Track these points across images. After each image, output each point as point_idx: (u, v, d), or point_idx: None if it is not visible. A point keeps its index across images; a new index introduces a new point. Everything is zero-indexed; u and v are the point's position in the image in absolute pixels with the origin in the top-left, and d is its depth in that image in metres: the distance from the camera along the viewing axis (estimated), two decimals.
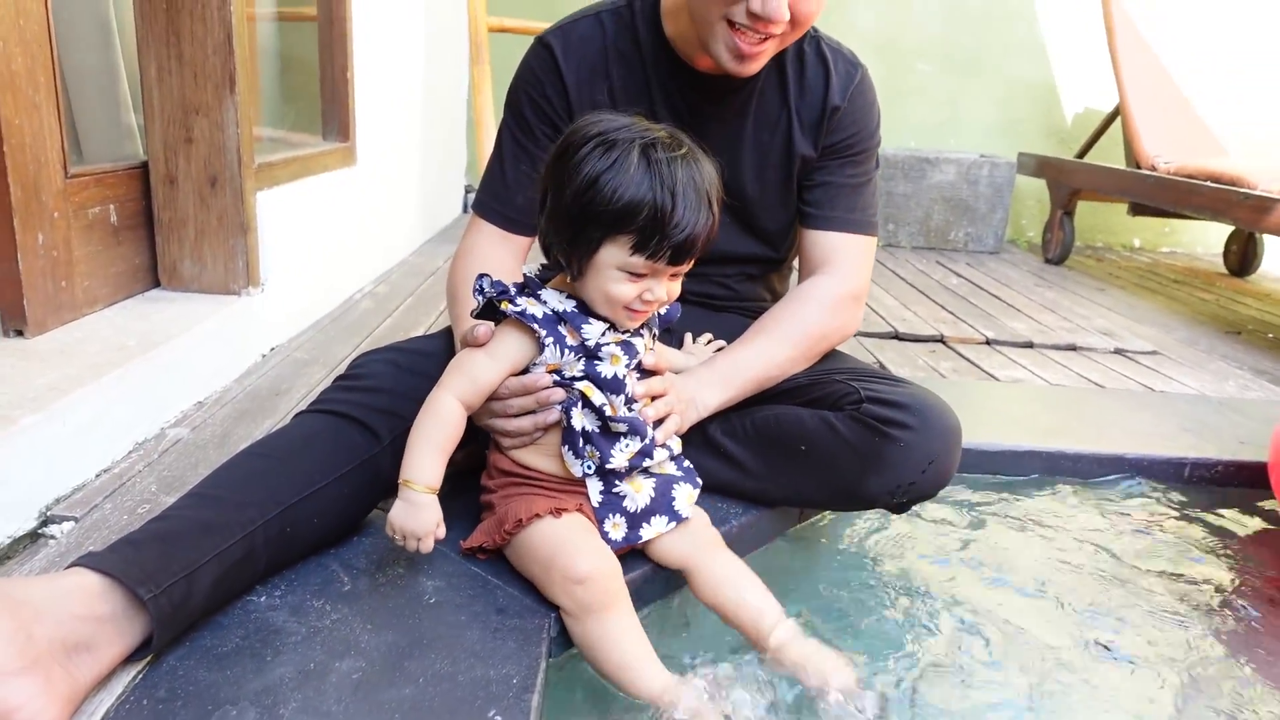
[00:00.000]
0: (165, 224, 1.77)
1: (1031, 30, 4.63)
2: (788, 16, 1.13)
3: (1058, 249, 4.06)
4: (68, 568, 0.86)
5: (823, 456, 1.21)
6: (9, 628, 0.75)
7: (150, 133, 1.74)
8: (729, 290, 1.44)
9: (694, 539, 1.10)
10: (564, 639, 1.01)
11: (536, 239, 1.07)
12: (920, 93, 4.65)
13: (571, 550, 0.98)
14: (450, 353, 1.22)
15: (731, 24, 1.15)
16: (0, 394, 1.18)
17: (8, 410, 1.13)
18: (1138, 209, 3.88)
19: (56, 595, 0.80)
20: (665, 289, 1.01)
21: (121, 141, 2.03)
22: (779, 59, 1.30)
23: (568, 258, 1.00)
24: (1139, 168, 3.63)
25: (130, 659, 0.86)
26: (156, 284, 1.80)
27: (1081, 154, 4.24)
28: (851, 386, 1.23)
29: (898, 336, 2.54)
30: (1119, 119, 3.94)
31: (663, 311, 1.05)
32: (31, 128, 1.37)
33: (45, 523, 1.16)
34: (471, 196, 4.30)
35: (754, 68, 1.20)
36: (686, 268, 1.01)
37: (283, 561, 1.03)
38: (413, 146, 3.29)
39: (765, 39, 1.16)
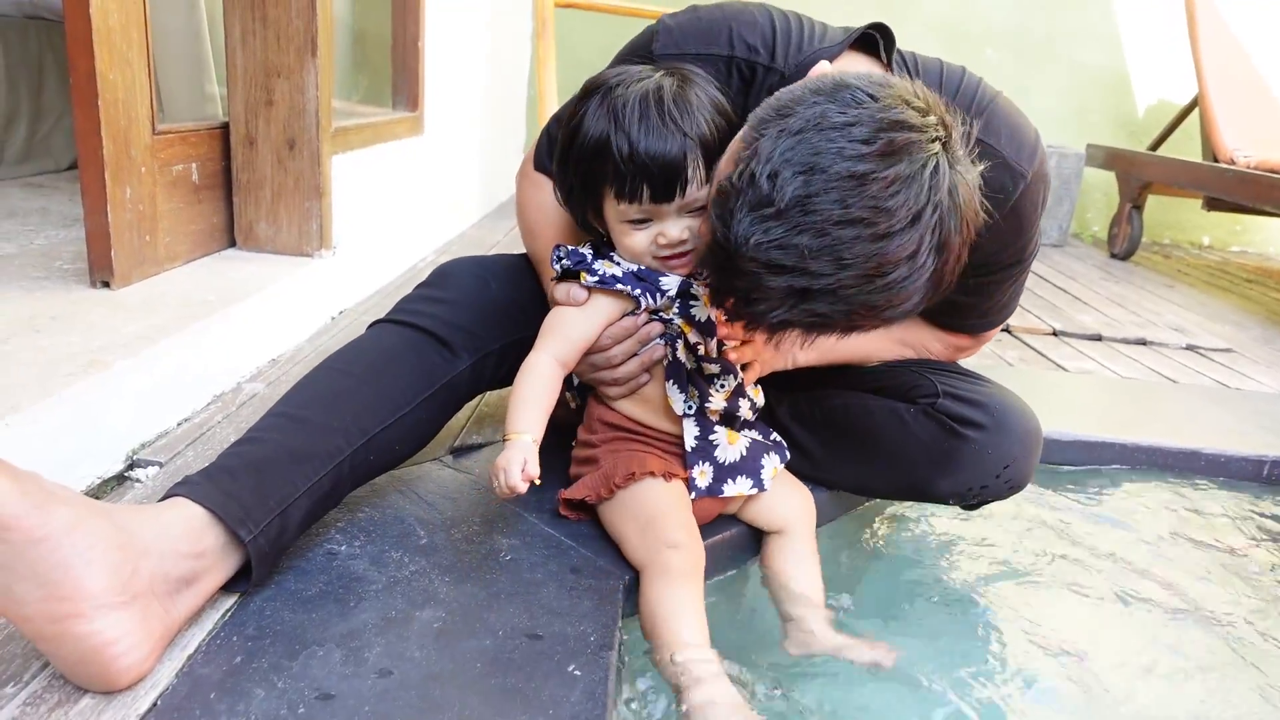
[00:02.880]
0: (243, 185, 1.80)
1: (1106, 16, 4.50)
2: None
3: (1124, 244, 3.95)
4: (165, 496, 0.87)
5: (891, 452, 1.18)
6: (116, 560, 0.76)
7: (232, 94, 1.77)
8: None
9: (797, 511, 1.13)
10: (633, 605, 1.01)
11: None
12: (987, 80, 4.54)
13: (676, 519, 1.00)
14: (532, 269, 1.20)
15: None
16: (93, 340, 1.21)
17: (101, 355, 1.16)
18: (1213, 204, 3.76)
19: (163, 530, 0.81)
20: (679, 228, 0.96)
21: (202, 106, 2.07)
22: None
23: (600, 231, 1.01)
24: (1216, 161, 3.52)
25: (221, 592, 0.88)
26: (232, 244, 1.83)
27: (1154, 146, 4.11)
28: (928, 379, 1.17)
29: None
30: (1195, 111, 3.82)
31: None
32: (125, 83, 1.40)
33: (131, 466, 1.19)
34: None
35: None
36: (700, 200, 0.93)
37: (361, 484, 1.03)
38: (476, 120, 3.30)
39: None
